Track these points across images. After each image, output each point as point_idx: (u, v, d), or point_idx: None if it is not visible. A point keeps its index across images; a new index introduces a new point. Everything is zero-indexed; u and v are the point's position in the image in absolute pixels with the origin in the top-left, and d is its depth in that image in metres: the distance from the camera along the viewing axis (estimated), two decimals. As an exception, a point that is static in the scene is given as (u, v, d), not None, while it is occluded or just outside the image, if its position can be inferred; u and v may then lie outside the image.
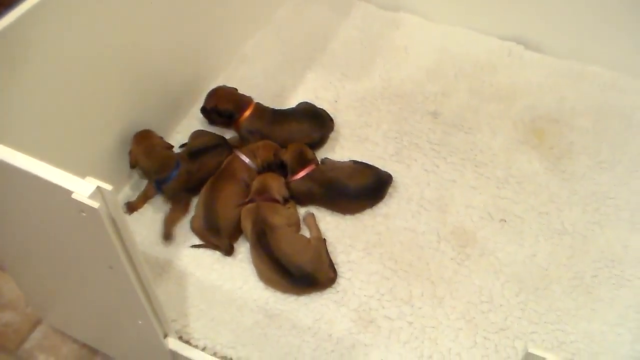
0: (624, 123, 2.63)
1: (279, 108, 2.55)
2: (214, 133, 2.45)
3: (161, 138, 2.34)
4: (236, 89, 2.53)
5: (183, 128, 2.56)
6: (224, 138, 2.43)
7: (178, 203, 2.29)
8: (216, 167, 2.31)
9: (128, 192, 2.35)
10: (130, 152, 2.29)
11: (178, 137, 2.52)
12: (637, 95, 2.74)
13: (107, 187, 1.25)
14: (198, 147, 2.35)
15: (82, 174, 1.26)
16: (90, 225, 1.29)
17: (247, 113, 2.45)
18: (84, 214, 1.26)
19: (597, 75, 2.81)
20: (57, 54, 1.85)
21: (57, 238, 1.51)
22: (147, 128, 2.33)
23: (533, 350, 1.06)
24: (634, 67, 2.77)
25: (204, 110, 2.51)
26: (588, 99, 2.73)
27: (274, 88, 2.74)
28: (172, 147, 2.35)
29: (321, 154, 2.47)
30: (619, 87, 2.77)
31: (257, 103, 2.49)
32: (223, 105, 2.45)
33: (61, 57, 1.87)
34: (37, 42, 1.76)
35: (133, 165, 2.29)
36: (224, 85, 2.54)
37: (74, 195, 1.23)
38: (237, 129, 2.48)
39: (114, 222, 1.30)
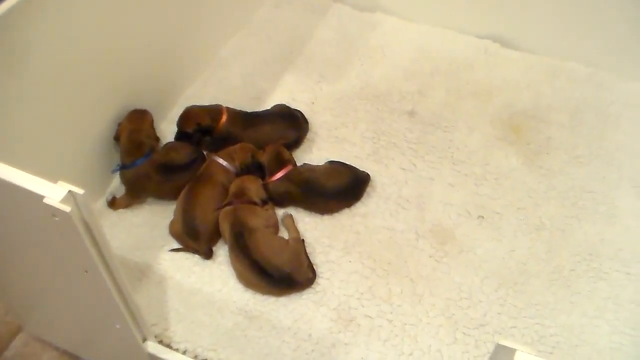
0: (600, 118, 2.66)
1: (252, 111, 2.56)
2: (190, 146, 2.41)
3: (152, 128, 2.38)
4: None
5: (161, 132, 2.54)
6: (200, 151, 2.41)
7: (128, 193, 2.32)
8: (184, 184, 2.29)
9: (108, 197, 2.34)
10: (119, 124, 2.32)
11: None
12: (613, 90, 2.77)
13: (79, 191, 1.24)
14: (173, 163, 2.32)
15: (62, 178, 1.26)
16: (64, 229, 1.29)
17: (224, 119, 2.44)
18: (57, 219, 1.26)
19: (572, 71, 2.84)
20: (33, 58, 1.84)
21: (32, 244, 1.51)
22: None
23: (503, 342, 1.06)
24: (609, 62, 2.80)
25: (185, 135, 2.43)
26: (564, 94, 2.75)
27: (251, 90, 2.74)
28: (158, 140, 2.38)
29: (299, 155, 2.48)
30: (594, 82, 2.80)
31: (227, 107, 2.49)
32: (205, 121, 2.42)
33: (38, 61, 1.87)
34: (12, 46, 1.76)
35: (116, 138, 2.31)
36: (190, 106, 2.49)
37: (45, 200, 1.23)
38: (213, 136, 2.46)
39: (87, 225, 1.30)
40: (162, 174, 2.28)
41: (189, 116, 2.44)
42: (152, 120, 2.40)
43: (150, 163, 2.26)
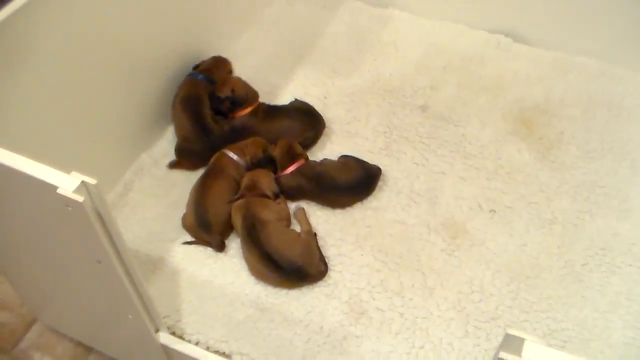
0: (612, 112, 2.65)
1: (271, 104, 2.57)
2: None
3: (229, 73, 2.67)
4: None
5: (172, 127, 2.56)
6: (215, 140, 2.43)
7: None
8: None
9: (120, 190, 2.36)
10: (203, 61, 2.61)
11: (164, 143, 2.53)
12: (625, 84, 2.75)
13: (92, 181, 1.26)
14: (196, 110, 2.44)
15: (75, 170, 1.28)
16: (77, 219, 1.30)
17: (250, 109, 2.46)
18: (70, 209, 1.28)
19: (584, 66, 2.83)
20: (44, 51, 1.86)
21: (46, 234, 1.53)
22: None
23: (512, 331, 1.06)
24: (620, 56, 2.78)
25: (215, 99, 2.43)
26: (576, 89, 2.74)
27: (264, 85, 2.73)
28: (210, 88, 2.48)
29: (311, 149, 2.50)
30: (606, 76, 2.78)
31: (260, 102, 2.52)
32: (239, 91, 2.43)
33: (49, 54, 1.88)
34: (25, 38, 1.78)
35: (195, 67, 2.61)
36: (234, 76, 2.53)
37: (59, 191, 1.25)
38: (231, 120, 2.47)
39: (99, 216, 1.32)
40: (188, 103, 2.44)
41: (228, 82, 2.47)
42: (231, 70, 2.66)
43: (202, 85, 2.49)
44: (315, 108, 2.56)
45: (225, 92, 2.42)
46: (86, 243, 1.40)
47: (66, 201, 1.26)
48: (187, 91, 2.48)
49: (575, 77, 2.79)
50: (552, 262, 2.18)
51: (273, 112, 2.51)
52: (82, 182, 1.25)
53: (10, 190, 1.41)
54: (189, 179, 2.36)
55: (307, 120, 2.50)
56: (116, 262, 1.43)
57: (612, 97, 2.70)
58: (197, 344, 1.95)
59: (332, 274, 2.12)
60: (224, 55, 2.70)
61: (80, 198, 1.24)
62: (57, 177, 1.26)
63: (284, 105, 2.58)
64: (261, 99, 2.56)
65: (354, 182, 2.30)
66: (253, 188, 2.20)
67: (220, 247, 2.18)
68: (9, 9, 1.71)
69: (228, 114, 2.46)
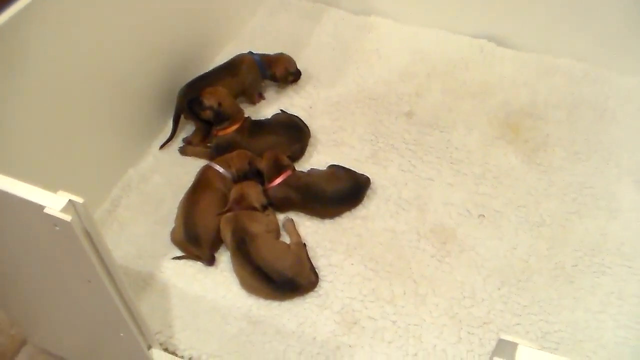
0: (597, 113, 2.67)
1: (256, 119, 2.57)
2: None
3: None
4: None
5: (158, 142, 2.57)
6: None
7: None
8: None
9: (108, 207, 2.35)
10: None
11: (150, 158, 2.53)
12: (609, 85, 2.78)
13: (79, 200, 1.25)
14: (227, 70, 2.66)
15: (62, 188, 1.26)
16: (65, 239, 1.29)
17: (236, 126, 2.46)
18: (58, 228, 1.26)
19: (568, 68, 2.85)
20: (30, 66, 1.86)
21: (34, 255, 1.51)
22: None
23: (505, 336, 1.07)
24: (604, 57, 2.81)
25: (199, 104, 2.43)
26: (561, 91, 2.76)
27: (249, 97, 2.75)
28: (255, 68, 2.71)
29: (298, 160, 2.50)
30: (590, 78, 2.81)
31: (247, 117, 2.52)
32: (226, 108, 2.43)
33: (35, 69, 1.88)
34: (11, 53, 1.78)
35: None
36: (222, 88, 2.51)
37: (46, 210, 1.24)
38: (216, 136, 2.48)
39: (88, 234, 1.31)
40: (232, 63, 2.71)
41: (217, 93, 2.46)
42: (287, 69, 2.75)
43: (250, 63, 2.70)
44: (301, 119, 2.56)
45: (210, 102, 2.41)
46: (75, 262, 1.38)
47: (54, 221, 1.25)
48: (235, 57, 2.72)
49: (559, 80, 2.80)
50: (542, 264, 2.18)
51: (258, 128, 2.50)
52: (70, 201, 1.24)
53: (-3, 211, 1.40)
54: (177, 194, 2.35)
55: (292, 134, 2.50)
56: (106, 281, 1.42)
57: (596, 99, 2.72)
58: (190, 359, 1.95)
59: (323, 285, 2.12)
60: (209, 68, 2.70)
61: (67, 217, 1.23)
62: (43, 196, 1.25)
63: (269, 119, 2.57)
64: (246, 111, 2.56)
65: (343, 192, 2.30)
66: (241, 201, 2.19)
67: (210, 261, 2.17)
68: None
69: (205, 124, 2.50)
